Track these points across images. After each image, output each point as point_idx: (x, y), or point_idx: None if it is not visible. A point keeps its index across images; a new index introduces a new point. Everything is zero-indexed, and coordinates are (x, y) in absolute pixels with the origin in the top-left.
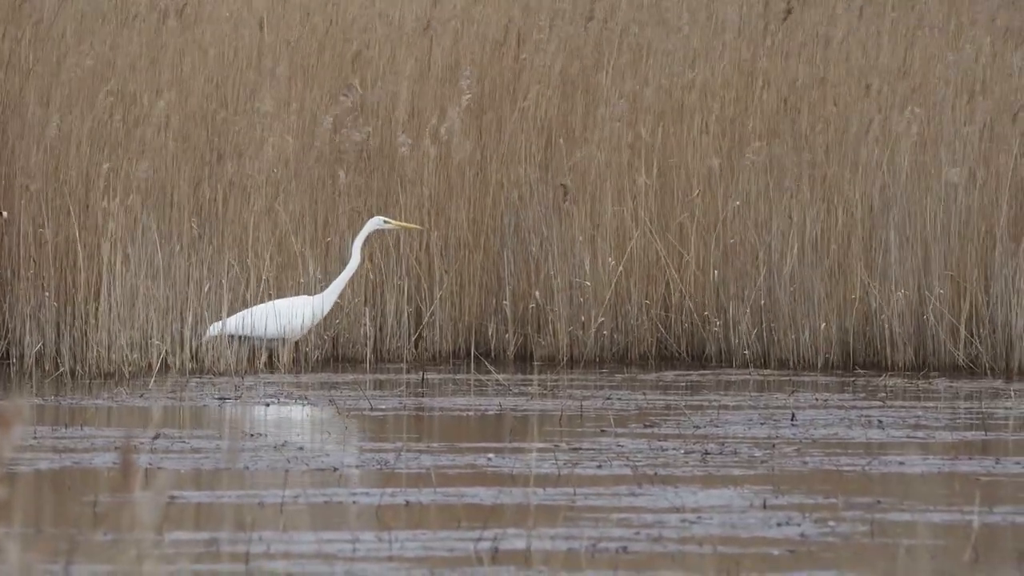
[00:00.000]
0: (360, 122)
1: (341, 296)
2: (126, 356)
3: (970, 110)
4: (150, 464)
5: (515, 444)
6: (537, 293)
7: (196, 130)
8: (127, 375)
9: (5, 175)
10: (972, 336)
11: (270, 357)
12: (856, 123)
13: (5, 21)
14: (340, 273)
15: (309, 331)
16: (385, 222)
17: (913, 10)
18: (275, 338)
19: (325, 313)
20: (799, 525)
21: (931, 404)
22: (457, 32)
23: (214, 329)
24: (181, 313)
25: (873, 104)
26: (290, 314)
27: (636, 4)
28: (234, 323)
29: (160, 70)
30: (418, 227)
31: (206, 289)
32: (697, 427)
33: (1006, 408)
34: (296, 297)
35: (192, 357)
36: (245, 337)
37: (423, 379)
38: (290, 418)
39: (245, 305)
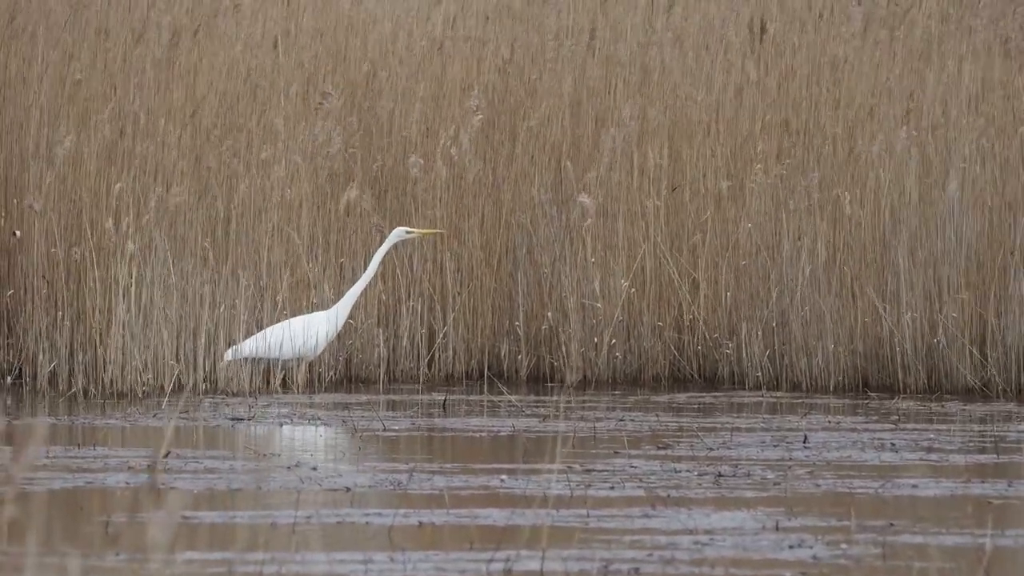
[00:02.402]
0: (352, 139)
1: (354, 316)
2: (139, 376)
3: (977, 131)
4: (163, 484)
5: (528, 465)
6: (550, 314)
7: (208, 150)
8: (140, 395)
9: (17, 195)
10: (985, 359)
11: (284, 377)
12: (861, 144)
13: (14, 39)
14: (354, 284)
15: (326, 349)
16: (407, 232)
17: (919, 36)
18: (292, 359)
19: (340, 326)
20: (811, 547)
21: (944, 427)
22: (467, 53)
23: (231, 353)
24: (194, 333)
25: (878, 125)
26: (305, 334)
27: (636, 26)
28: (250, 346)
29: (172, 90)
30: (440, 231)
31: (220, 309)
32: (710, 449)
33: (1019, 431)
34: (311, 315)
35: (206, 377)
36: (262, 359)
37: (445, 403)
38: (304, 438)
39: (259, 326)
